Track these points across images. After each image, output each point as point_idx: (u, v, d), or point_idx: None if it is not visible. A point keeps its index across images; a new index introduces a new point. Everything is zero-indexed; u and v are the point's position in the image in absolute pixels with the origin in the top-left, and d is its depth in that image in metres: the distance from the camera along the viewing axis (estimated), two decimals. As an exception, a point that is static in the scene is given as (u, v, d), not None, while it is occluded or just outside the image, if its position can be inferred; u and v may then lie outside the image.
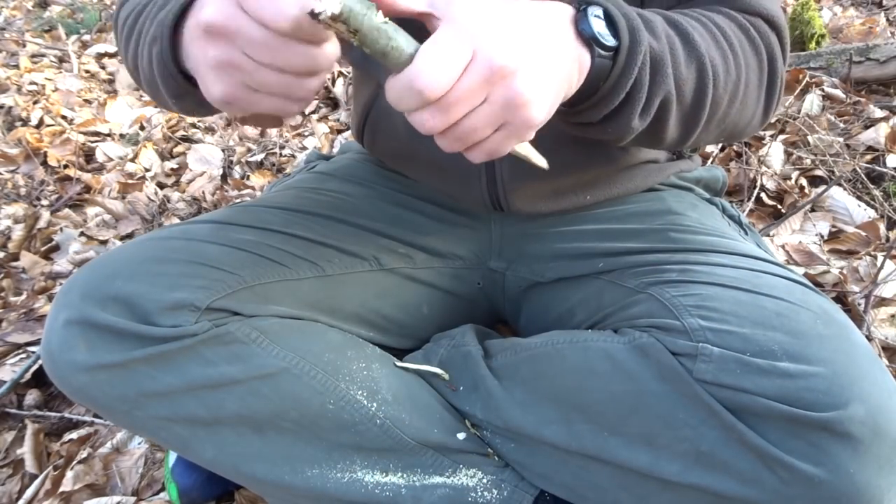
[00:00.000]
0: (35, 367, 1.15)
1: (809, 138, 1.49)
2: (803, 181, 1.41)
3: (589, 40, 0.54)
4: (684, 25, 0.60)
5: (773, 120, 1.61)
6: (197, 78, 0.52)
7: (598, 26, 0.54)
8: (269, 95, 0.49)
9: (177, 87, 0.57)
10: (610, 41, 0.54)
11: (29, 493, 0.95)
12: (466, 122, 0.48)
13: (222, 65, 0.48)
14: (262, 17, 0.44)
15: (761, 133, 1.59)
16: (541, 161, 0.57)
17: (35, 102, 2.24)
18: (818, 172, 1.42)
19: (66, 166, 1.87)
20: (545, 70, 0.49)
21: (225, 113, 0.52)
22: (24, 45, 2.81)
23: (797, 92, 1.66)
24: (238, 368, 0.67)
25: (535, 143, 0.56)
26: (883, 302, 1.10)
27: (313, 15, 0.41)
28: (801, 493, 0.54)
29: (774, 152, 1.48)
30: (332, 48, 0.47)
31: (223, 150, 1.91)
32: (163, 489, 0.94)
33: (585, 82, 0.55)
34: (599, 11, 0.54)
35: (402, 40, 0.45)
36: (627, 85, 0.56)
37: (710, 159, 1.52)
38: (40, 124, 2.11)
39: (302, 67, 0.47)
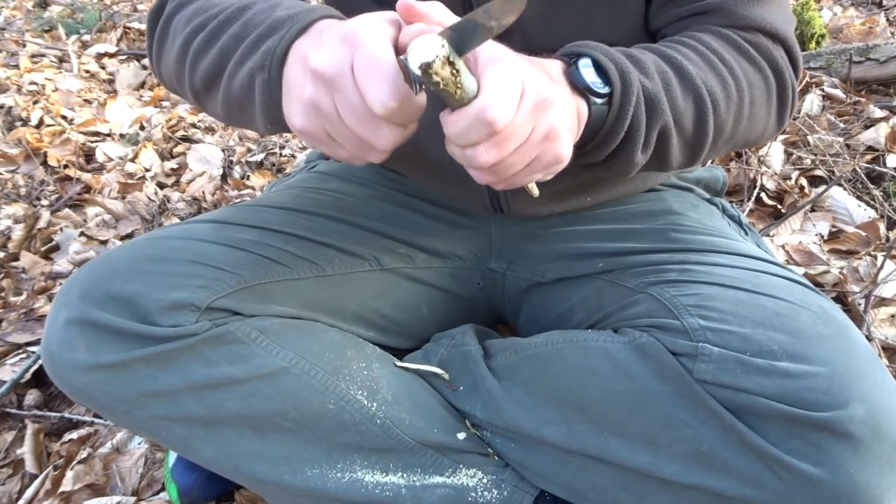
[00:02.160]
0: (35, 367, 1.15)
1: (809, 138, 1.49)
2: (803, 181, 1.41)
3: (584, 91, 0.56)
4: (678, 59, 0.62)
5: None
6: (284, 97, 0.54)
7: (590, 76, 0.56)
8: (341, 148, 0.52)
9: (280, 113, 0.57)
10: (603, 89, 0.56)
11: (29, 493, 0.95)
12: (510, 158, 0.50)
13: (313, 105, 0.50)
14: (363, 91, 0.47)
15: (761, 133, 1.59)
16: (535, 190, 0.60)
17: (35, 102, 2.24)
18: (818, 172, 1.42)
19: (66, 166, 1.87)
20: (566, 110, 0.53)
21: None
22: (24, 45, 2.81)
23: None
24: (238, 368, 0.67)
25: None
26: (883, 302, 1.10)
27: (426, 67, 0.43)
28: (801, 493, 0.55)
29: (774, 152, 1.48)
30: (410, 131, 0.51)
31: (223, 150, 1.91)
32: (163, 489, 0.94)
33: (586, 129, 0.58)
34: (588, 62, 0.57)
35: (467, 78, 0.46)
36: (625, 125, 0.58)
37: (710, 160, 1.52)
38: (40, 124, 2.11)
39: (377, 145, 0.50)
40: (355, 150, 0.52)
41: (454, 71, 0.44)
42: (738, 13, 0.67)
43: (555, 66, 0.56)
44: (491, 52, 0.48)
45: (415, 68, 0.43)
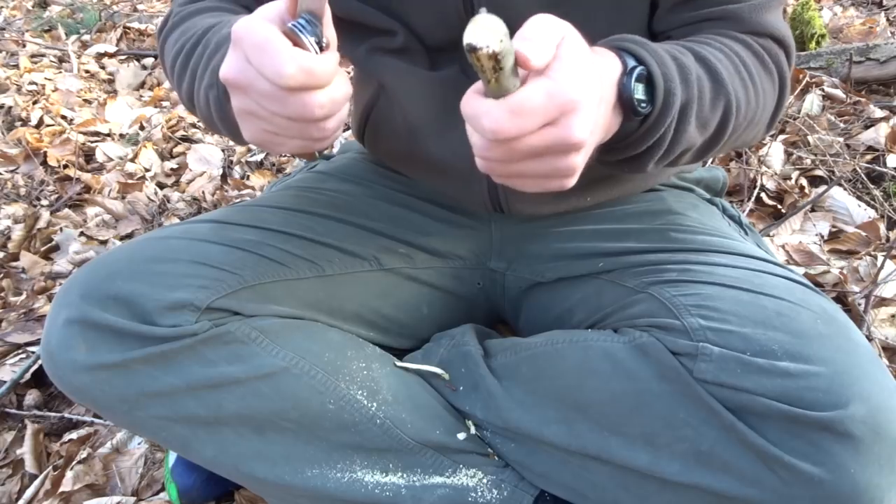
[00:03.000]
0: (35, 367, 1.14)
1: (809, 138, 1.49)
2: (803, 181, 1.41)
3: (626, 103, 0.55)
4: (714, 63, 0.61)
5: (773, 120, 1.61)
6: None
7: (638, 91, 0.55)
8: (290, 138, 0.52)
9: (234, 126, 0.58)
10: (644, 109, 0.55)
11: (29, 493, 0.95)
12: (513, 167, 0.50)
13: (243, 113, 0.52)
14: (265, 75, 0.47)
15: (761, 133, 1.59)
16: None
17: (35, 102, 2.24)
18: (818, 172, 1.42)
19: (66, 166, 1.87)
20: (594, 143, 0.52)
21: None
22: (24, 45, 2.81)
23: (797, 92, 1.66)
24: (238, 368, 0.67)
25: None
26: (883, 302, 1.10)
27: (472, 49, 0.41)
28: (801, 492, 0.54)
29: (774, 152, 1.48)
30: (337, 91, 0.50)
31: (223, 150, 1.91)
32: (163, 489, 0.94)
33: (611, 138, 0.57)
34: (643, 72, 0.55)
35: (508, 79, 0.45)
36: (650, 142, 0.58)
37: (710, 160, 1.52)
38: (40, 124, 2.11)
39: (309, 116, 0.49)
40: (299, 132, 0.51)
41: (496, 66, 0.42)
42: (753, 20, 0.66)
43: (613, 70, 0.54)
44: (565, 59, 0.46)
45: (465, 38, 0.41)
